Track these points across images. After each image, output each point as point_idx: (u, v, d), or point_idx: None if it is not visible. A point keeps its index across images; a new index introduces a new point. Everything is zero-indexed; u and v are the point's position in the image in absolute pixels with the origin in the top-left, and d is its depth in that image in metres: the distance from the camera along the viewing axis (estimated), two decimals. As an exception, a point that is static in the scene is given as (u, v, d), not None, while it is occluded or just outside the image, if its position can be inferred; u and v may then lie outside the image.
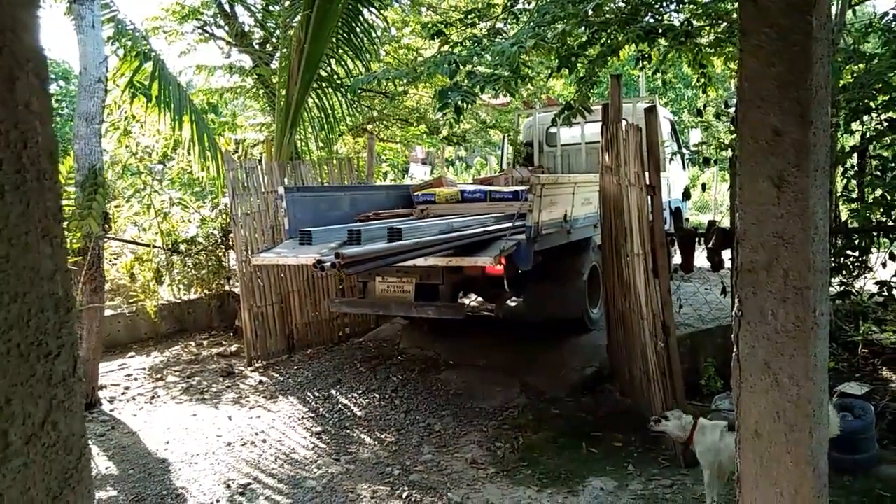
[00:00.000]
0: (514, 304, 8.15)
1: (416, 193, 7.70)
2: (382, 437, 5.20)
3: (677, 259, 5.45)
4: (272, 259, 6.05)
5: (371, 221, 6.66)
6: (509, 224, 5.59)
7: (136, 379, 6.92)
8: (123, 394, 6.46)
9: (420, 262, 5.14)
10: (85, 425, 0.95)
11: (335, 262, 4.35)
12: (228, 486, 4.48)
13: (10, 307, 0.84)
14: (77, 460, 0.92)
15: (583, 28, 5.65)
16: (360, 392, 6.15)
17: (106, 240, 7.09)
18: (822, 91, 2.20)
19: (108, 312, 7.50)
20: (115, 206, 8.86)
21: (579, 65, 5.66)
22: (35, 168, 0.87)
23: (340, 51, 8.39)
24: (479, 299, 8.66)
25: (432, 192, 7.51)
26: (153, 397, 6.34)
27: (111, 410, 6.01)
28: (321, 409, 5.80)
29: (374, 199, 7.53)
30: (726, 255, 4.74)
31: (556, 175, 8.47)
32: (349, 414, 5.70)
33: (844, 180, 5.55)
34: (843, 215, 5.63)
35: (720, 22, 5.96)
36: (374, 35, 9.02)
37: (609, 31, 5.47)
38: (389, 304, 6.15)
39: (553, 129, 9.64)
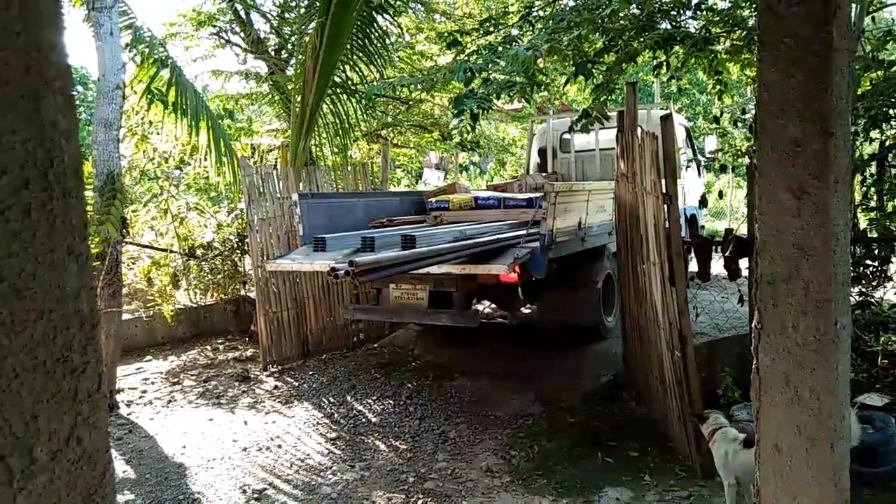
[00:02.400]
0: (528, 311, 8.12)
1: (429, 200, 7.71)
2: (397, 443, 5.20)
3: (693, 267, 5.42)
4: (287, 265, 6.08)
5: (385, 228, 6.66)
6: (523, 231, 5.58)
7: (153, 383, 6.97)
8: (140, 397, 6.50)
9: (434, 269, 5.14)
10: (109, 441, 0.95)
11: (349, 270, 4.36)
12: (244, 492, 4.50)
13: (37, 324, 0.84)
14: (101, 475, 0.92)
15: (599, 34, 5.63)
16: (374, 398, 6.16)
17: (123, 244, 7.16)
18: (842, 102, 2.18)
19: (125, 316, 7.55)
20: (133, 211, 8.94)
21: (595, 71, 5.64)
22: (61, 186, 0.88)
23: (355, 57, 8.43)
24: (493, 306, 8.65)
25: (446, 199, 7.51)
26: (170, 401, 6.38)
27: (128, 414, 6.05)
28: (336, 415, 5.81)
29: (388, 205, 7.54)
30: (743, 263, 4.71)
31: (571, 182, 8.43)
32: (364, 420, 5.70)
33: (863, 189, 5.49)
34: (862, 224, 5.57)
35: (737, 29, 5.92)
36: (388, 41, 9.06)
37: (626, 38, 5.45)
38: (403, 312, 6.15)
39: (567, 136, 9.61)
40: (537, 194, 6.53)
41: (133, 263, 9.03)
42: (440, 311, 5.87)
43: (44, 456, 0.85)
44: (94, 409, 0.92)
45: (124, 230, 6.53)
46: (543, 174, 9.40)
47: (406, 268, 4.86)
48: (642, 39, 5.26)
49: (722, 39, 5.92)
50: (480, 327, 6.30)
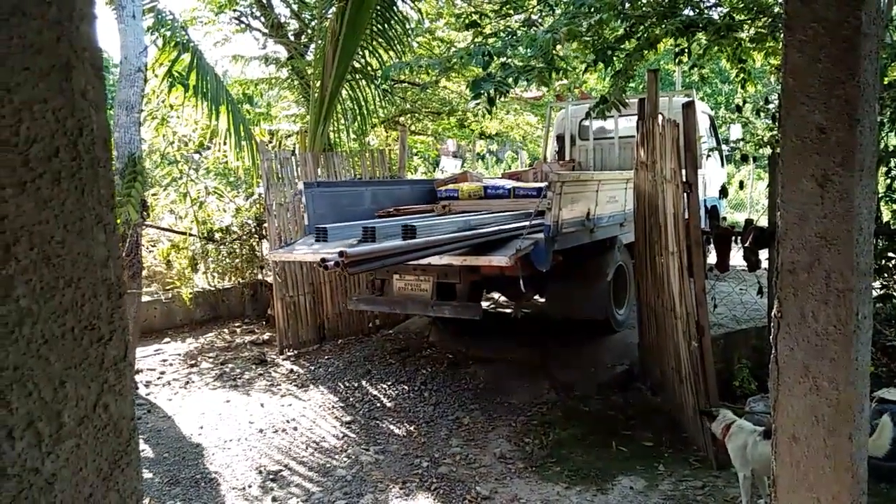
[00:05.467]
0: (542, 302, 8.09)
1: (439, 189, 7.66)
2: (411, 428, 5.23)
3: (711, 259, 5.37)
4: (288, 256, 6.02)
5: (391, 217, 6.61)
6: (527, 222, 5.47)
7: (171, 364, 7.06)
8: (159, 378, 6.59)
9: (435, 260, 5.06)
10: (134, 408, 0.97)
11: (339, 261, 4.25)
12: (260, 472, 4.55)
13: (65, 292, 0.86)
14: (126, 442, 0.94)
15: (620, 21, 5.57)
16: (389, 383, 6.20)
17: (144, 227, 7.22)
18: (869, 88, 2.14)
19: (144, 298, 7.65)
20: (153, 195, 9.02)
21: (615, 58, 5.58)
22: (90, 156, 0.89)
23: (374, 42, 8.42)
24: (503, 298, 8.60)
25: (456, 188, 7.45)
26: (188, 383, 6.46)
27: (147, 394, 6.14)
28: (351, 399, 5.85)
29: (397, 194, 7.46)
30: (763, 254, 4.67)
31: (578, 172, 8.15)
32: (379, 405, 5.74)
33: (887, 181, 5.40)
34: (885, 216, 5.49)
35: (761, 16, 5.84)
36: (407, 27, 9.04)
37: (647, 24, 5.39)
38: (406, 303, 6.08)
39: (586, 123, 9.50)
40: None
41: (153, 246, 9.13)
42: (443, 303, 5.80)
43: (71, 421, 0.87)
44: (120, 377, 0.93)
45: (144, 213, 6.59)
46: (560, 162, 9.31)
47: (400, 259, 4.77)
48: (664, 26, 5.19)
49: (746, 26, 5.83)
50: (496, 317, 6.27)
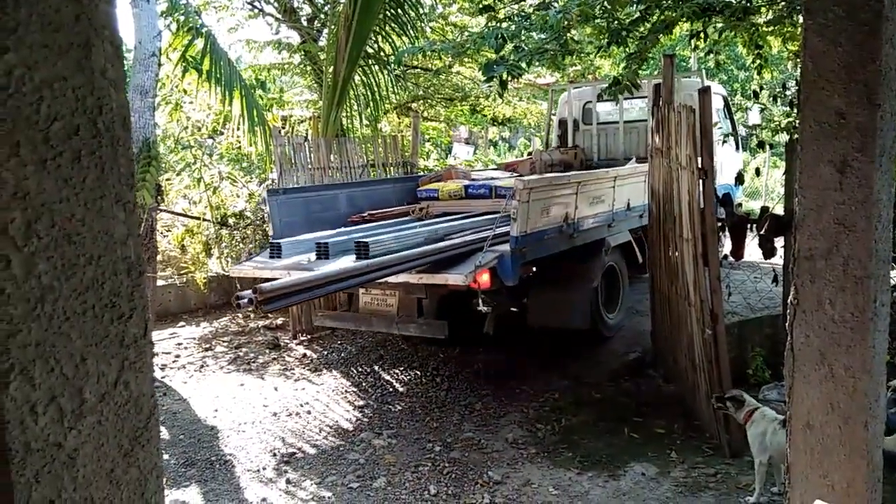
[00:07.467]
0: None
1: (419, 189, 7.30)
2: (423, 413, 5.25)
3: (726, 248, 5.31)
4: (248, 271, 5.55)
5: (364, 224, 6.29)
6: (489, 233, 5.06)
7: (186, 348, 7.13)
8: (174, 362, 6.66)
9: (391, 278, 4.73)
10: (154, 387, 0.98)
11: (252, 298, 3.77)
12: (274, 455, 4.60)
13: (86, 269, 0.87)
14: (147, 419, 0.95)
15: (635, 4, 5.50)
16: (401, 368, 6.23)
17: (158, 211, 7.27)
18: (891, 73, 2.11)
19: (159, 283, 7.73)
20: (167, 180, 9.05)
21: (630, 39, 5.49)
22: (110, 134, 0.89)
23: (387, 27, 8.38)
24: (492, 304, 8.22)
25: (436, 188, 7.12)
26: (202, 366, 6.53)
27: (162, 377, 6.21)
28: (364, 384, 5.89)
29: (376, 195, 7.00)
30: (779, 242, 4.62)
31: (549, 176, 6.97)
32: (391, 389, 5.77)
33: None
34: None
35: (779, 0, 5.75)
36: (421, 11, 8.98)
37: (662, 7, 5.31)
38: (371, 319, 5.73)
39: (590, 106, 9.26)
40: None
41: (167, 231, 9.18)
42: (408, 320, 5.49)
43: (93, 398, 0.88)
44: (141, 355, 0.94)
45: (159, 197, 6.63)
46: (562, 149, 9.05)
47: (329, 289, 4.36)
48: (679, 9, 5.12)
49: (763, 10, 5.74)
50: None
